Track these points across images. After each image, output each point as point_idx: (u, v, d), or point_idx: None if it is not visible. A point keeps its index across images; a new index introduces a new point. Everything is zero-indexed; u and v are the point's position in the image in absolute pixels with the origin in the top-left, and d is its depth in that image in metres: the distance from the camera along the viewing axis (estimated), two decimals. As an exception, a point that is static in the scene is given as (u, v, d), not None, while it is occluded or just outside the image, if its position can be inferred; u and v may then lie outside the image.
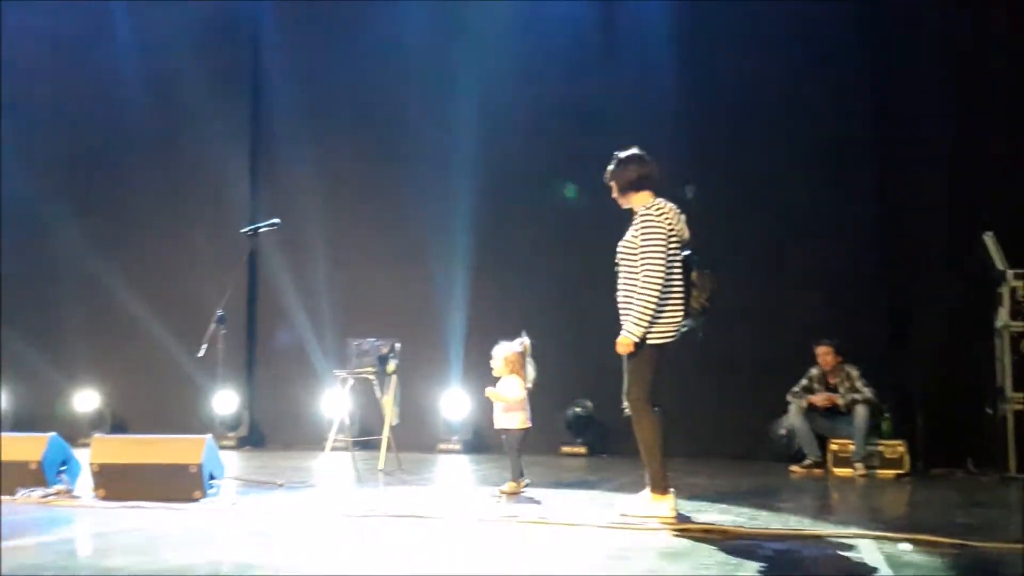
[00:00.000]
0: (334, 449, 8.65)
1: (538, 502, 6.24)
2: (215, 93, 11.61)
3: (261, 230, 7.72)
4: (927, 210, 9.54)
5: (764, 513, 5.81)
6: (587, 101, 10.53)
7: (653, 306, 5.33)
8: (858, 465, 8.65)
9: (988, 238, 8.72)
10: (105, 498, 5.99)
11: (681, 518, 5.41)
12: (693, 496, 6.47)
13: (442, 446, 10.36)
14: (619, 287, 5.55)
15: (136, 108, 11.92)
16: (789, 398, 9.06)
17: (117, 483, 6.03)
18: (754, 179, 10.03)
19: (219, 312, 7.26)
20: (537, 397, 10.32)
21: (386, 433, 8.26)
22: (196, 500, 5.92)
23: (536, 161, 10.63)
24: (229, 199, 11.49)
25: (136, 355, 11.46)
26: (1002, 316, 8.61)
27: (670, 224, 5.45)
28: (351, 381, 8.43)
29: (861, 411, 8.69)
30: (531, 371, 6.81)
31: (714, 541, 4.77)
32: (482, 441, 10.51)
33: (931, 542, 4.72)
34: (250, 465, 8.90)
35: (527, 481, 6.75)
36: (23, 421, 11.13)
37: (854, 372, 8.91)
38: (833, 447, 8.86)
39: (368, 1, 11.44)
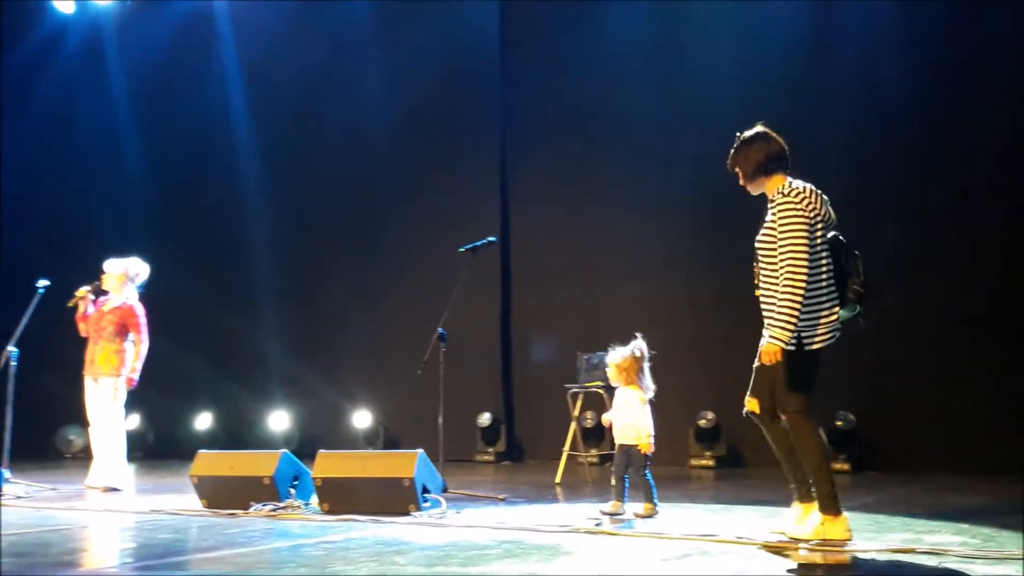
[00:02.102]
0: (576, 463, 8.59)
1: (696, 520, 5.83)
2: (463, 119, 12.02)
3: (479, 248, 7.79)
4: None
5: (1007, 533, 5.10)
6: (804, 101, 10.06)
7: (799, 306, 4.64)
8: None
9: None
10: (328, 511, 6.20)
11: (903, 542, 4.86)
12: (934, 514, 5.82)
13: (694, 462, 9.98)
14: (760, 286, 4.88)
15: (386, 139, 12.42)
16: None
17: (338, 496, 6.24)
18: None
19: (440, 330, 7.41)
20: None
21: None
22: (410, 513, 6.03)
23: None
24: (483, 220, 11.71)
25: (405, 376, 11.90)
26: None
27: (812, 208, 4.74)
28: (582, 395, 8.35)
29: None
30: (648, 381, 6.06)
31: (913, 565, 4.23)
32: (738, 456, 10.05)
33: None
34: (493, 479, 9.02)
35: (625, 506, 5.98)
36: (306, 440, 11.92)
37: None
38: None
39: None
